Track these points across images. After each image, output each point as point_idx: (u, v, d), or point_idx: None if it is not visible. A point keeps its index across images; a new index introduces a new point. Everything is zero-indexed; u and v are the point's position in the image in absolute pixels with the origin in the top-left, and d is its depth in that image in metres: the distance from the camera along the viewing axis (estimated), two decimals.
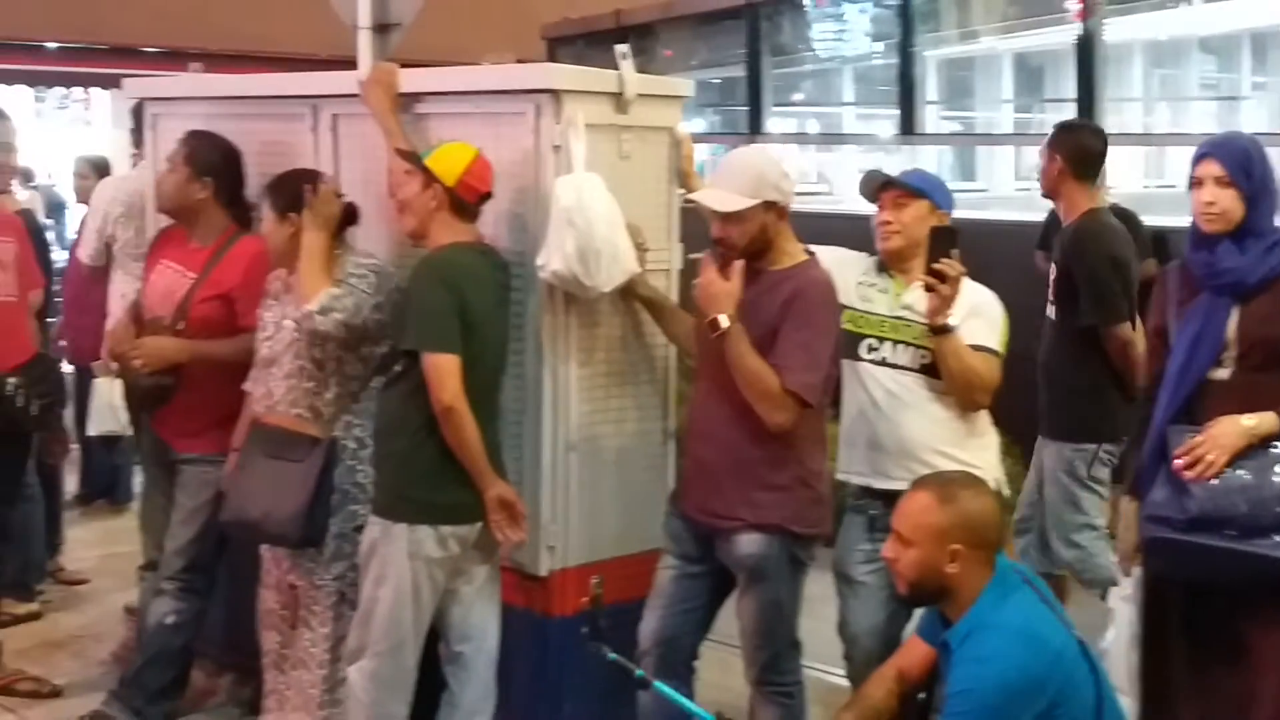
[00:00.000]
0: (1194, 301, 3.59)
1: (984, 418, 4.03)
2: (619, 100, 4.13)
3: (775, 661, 3.85)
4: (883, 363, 3.98)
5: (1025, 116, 15.45)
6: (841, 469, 4.11)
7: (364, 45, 4.89)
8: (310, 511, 4.02)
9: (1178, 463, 3.45)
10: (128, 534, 5.86)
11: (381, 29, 4.91)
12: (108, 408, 6.74)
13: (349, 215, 4.19)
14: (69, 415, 6.99)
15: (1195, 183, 3.57)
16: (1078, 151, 5.09)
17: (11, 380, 4.71)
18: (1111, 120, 8.71)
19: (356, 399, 4.14)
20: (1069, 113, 8.55)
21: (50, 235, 8.97)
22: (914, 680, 3.43)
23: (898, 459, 3.92)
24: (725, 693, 4.18)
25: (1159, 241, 6.07)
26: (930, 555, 3.22)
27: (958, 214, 4.07)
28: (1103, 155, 5.20)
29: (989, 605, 3.21)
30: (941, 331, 3.81)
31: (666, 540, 3.98)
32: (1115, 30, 9.36)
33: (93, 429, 7.08)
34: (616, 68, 4.13)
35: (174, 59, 12.85)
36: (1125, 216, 5.53)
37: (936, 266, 3.76)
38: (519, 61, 4.98)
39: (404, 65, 4.32)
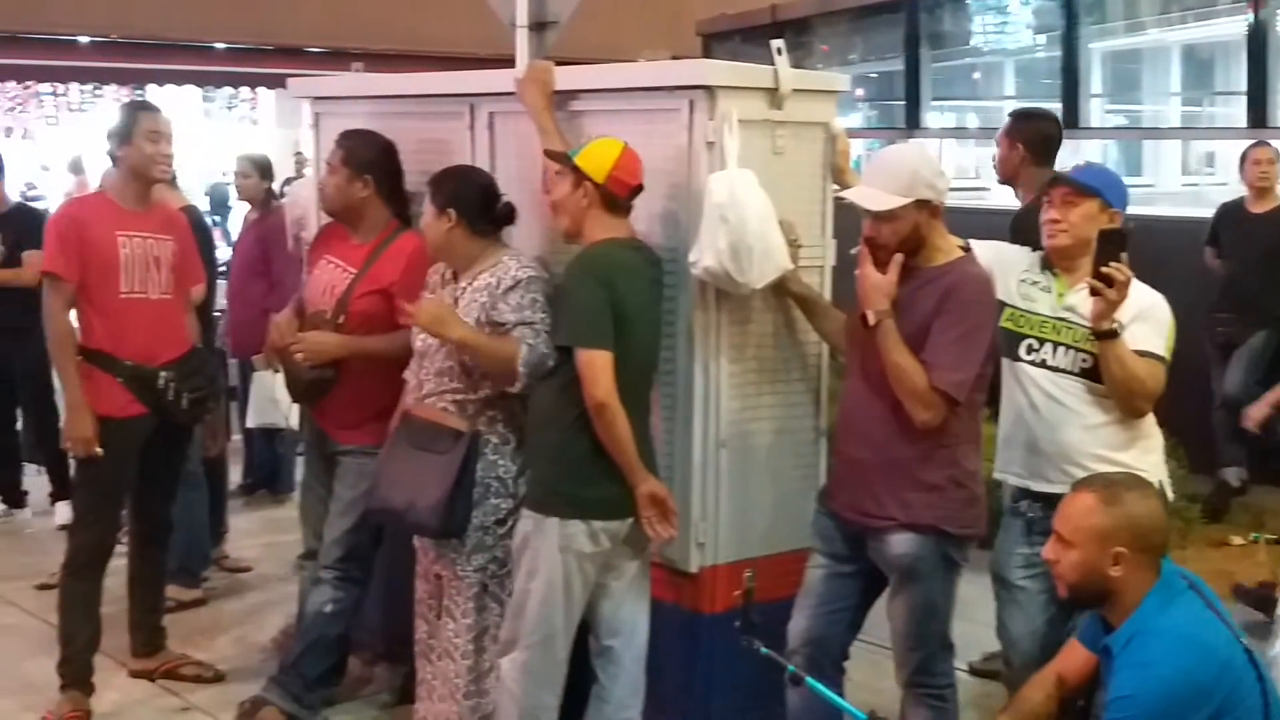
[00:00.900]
0: None
1: (1148, 419, 3.91)
2: (774, 96, 4.10)
3: (928, 663, 3.80)
4: (1042, 365, 3.89)
5: (1194, 110, 14.99)
6: (999, 469, 4.04)
7: (521, 43, 4.93)
8: (451, 503, 4.06)
9: None
10: (289, 524, 6.01)
11: (538, 27, 4.95)
12: (268, 400, 6.95)
13: (506, 215, 4.22)
14: (233, 408, 7.22)
15: None
16: (1037, 138, 5.23)
17: (164, 374, 4.81)
18: None
19: (504, 397, 4.17)
20: (1240, 106, 8.35)
21: (216, 232, 9.20)
22: (1073, 685, 3.35)
23: (1056, 462, 3.84)
24: (876, 695, 4.12)
25: None
26: (1092, 558, 3.14)
27: None
28: (1059, 141, 5.37)
29: (1153, 610, 3.12)
30: (1106, 336, 3.71)
31: (816, 539, 3.95)
32: None
33: (252, 421, 7.30)
34: (772, 63, 4.10)
35: (337, 59, 13.10)
36: None
37: (1104, 270, 3.64)
38: (674, 58, 4.96)
39: (560, 63, 4.35)
